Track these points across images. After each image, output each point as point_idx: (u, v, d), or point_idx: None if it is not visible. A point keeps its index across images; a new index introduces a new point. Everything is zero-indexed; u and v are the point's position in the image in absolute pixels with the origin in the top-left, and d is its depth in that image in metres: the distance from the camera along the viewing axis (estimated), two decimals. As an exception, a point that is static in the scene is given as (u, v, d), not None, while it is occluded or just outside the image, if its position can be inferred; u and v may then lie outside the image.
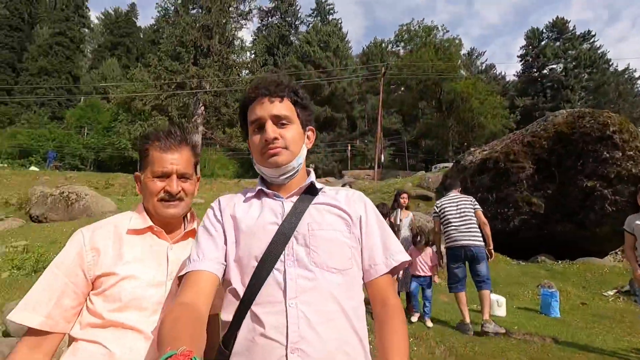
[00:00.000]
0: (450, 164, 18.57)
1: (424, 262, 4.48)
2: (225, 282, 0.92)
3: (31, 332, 0.95)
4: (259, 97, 0.97)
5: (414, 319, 4.33)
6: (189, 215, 1.21)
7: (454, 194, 4.64)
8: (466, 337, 3.74)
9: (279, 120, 0.96)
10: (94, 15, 61.98)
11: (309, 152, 1.10)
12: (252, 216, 0.95)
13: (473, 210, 4.35)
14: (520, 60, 45.70)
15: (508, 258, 8.56)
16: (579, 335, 4.10)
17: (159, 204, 1.08)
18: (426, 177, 13.60)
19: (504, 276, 7.28)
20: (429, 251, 4.53)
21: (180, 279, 0.93)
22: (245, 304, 0.84)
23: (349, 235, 0.94)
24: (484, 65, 47.63)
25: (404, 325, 0.87)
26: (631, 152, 7.61)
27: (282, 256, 0.87)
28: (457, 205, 4.40)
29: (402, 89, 37.41)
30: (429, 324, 4.19)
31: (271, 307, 0.82)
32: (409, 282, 4.58)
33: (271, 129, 0.94)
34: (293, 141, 0.97)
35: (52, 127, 34.82)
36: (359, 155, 39.23)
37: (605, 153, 7.75)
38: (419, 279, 4.47)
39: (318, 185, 1.02)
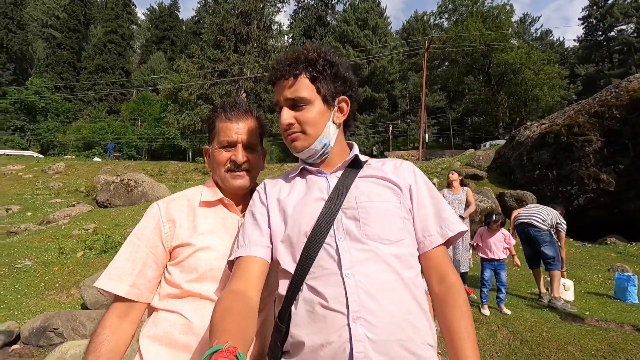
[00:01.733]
0: (500, 141, 17.33)
1: (498, 244, 4.08)
2: (274, 263, 0.90)
3: (118, 300, 0.99)
4: (276, 79, 0.94)
5: (486, 312, 3.85)
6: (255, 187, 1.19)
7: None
8: (531, 322, 3.50)
9: (293, 104, 0.92)
10: (140, 12, 65.23)
11: (349, 134, 1.05)
12: (298, 195, 0.94)
13: (551, 217, 4.30)
14: (582, 23, 41.21)
15: (572, 240, 7.90)
16: (664, 324, 3.69)
17: (226, 175, 1.08)
18: (476, 155, 12.80)
19: (569, 259, 6.72)
20: (504, 232, 4.13)
21: (229, 263, 0.92)
22: (298, 279, 0.83)
23: (399, 206, 0.89)
24: (538, 32, 43.68)
25: (467, 306, 0.84)
26: None
27: (331, 231, 0.85)
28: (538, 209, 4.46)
29: (447, 64, 35.33)
30: (506, 311, 3.85)
31: (327, 279, 0.80)
32: (457, 265, 4.36)
33: (286, 115, 0.92)
34: (310, 123, 0.91)
35: (109, 121, 37.72)
36: (400, 135, 38.10)
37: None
38: (492, 263, 4.07)
39: (362, 158, 0.98)
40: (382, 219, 0.85)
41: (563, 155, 8.62)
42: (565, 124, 8.69)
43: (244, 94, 25.51)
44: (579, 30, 42.28)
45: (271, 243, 0.90)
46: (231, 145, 1.08)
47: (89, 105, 43.15)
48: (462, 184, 5.01)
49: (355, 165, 0.96)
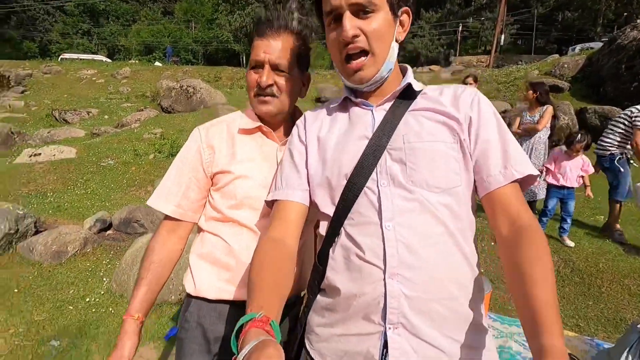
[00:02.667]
0: (595, 44, 14.29)
1: (574, 170, 3.62)
2: (313, 205, 0.85)
3: (167, 217, 1.07)
4: None
5: None
6: (297, 117, 1.12)
7: None
8: (588, 252, 3.34)
9: (360, 9, 0.74)
10: None
11: (410, 35, 0.83)
12: (339, 131, 0.84)
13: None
14: None
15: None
16: None
17: (254, 99, 1.01)
18: (560, 62, 10.90)
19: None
20: (584, 158, 3.66)
21: (267, 202, 0.91)
22: (336, 224, 0.78)
23: (455, 146, 0.76)
24: None
25: (547, 250, 0.66)
26: None
27: (374, 174, 0.76)
28: None
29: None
30: (569, 242, 3.57)
31: (366, 228, 0.74)
32: (536, 192, 3.90)
33: (349, 23, 0.74)
34: (379, 37, 0.76)
35: (165, 23, 37.63)
36: (471, 37, 33.44)
37: None
38: (561, 191, 3.68)
39: (417, 86, 0.83)
40: (433, 163, 0.74)
41: (677, 63, 7.06)
42: (691, 22, 6.89)
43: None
44: None
45: (309, 185, 0.86)
46: (259, 65, 0.98)
47: (144, 7, 42.90)
48: (542, 100, 4.07)
49: (407, 95, 0.82)
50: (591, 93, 8.96)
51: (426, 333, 0.69)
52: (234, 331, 0.59)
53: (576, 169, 3.62)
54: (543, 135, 4.03)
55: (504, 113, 8.43)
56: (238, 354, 0.54)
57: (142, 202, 5.49)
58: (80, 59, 23.79)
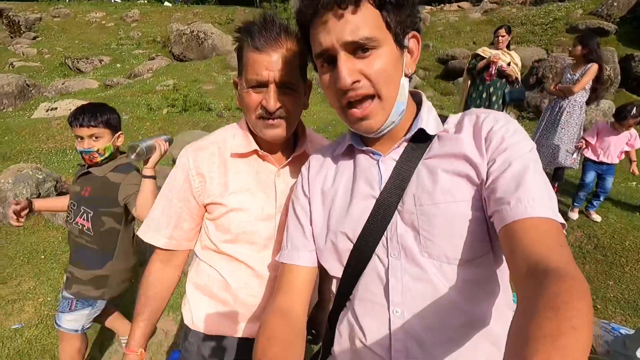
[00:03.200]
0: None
1: (618, 145, 3.25)
2: (320, 265, 0.76)
3: (161, 248, 1.00)
4: (319, 10, 0.60)
5: (574, 215, 3.38)
6: (299, 132, 0.98)
7: None
8: (615, 227, 3.19)
9: (357, 48, 0.60)
10: None
11: None
12: (344, 187, 0.73)
13: None
14: None
15: None
16: None
17: (258, 122, 0.87)
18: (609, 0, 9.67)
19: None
20: (632, 133, 3.25)
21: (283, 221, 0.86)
22: (344, 289, 0.71)
23: (479, 203, 0.61)
24: None
25: (589, 319, 0.40)
26: None
27: (384, 239, 0.65)
28: None
29: None
30: (596, 217, 3.32)
31: (371, 309, 0.66)
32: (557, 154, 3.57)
33: (346, 68, 0.60)
34: (385, 79, 0.61)
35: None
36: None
37: None
38: (601, 167, 3.33)
39: (431, 129, 0.68)
40: (452, 229, 0.61)
41: None
42: None
43: None
44: None
45: (315, 245, 0.76)
46: (261, 85, 0.82)
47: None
48: (589, 57, 3.44)
49: (421, 138, 0.68)
50: (640, 37, 8.00)
51: None
52: None
53: (621, 145, 3.25)
54: (580, 97, 3.56)
55: (538, 62, 7.71)
56: None
57: (158, 161, 5.53)
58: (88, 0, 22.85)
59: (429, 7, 16.71)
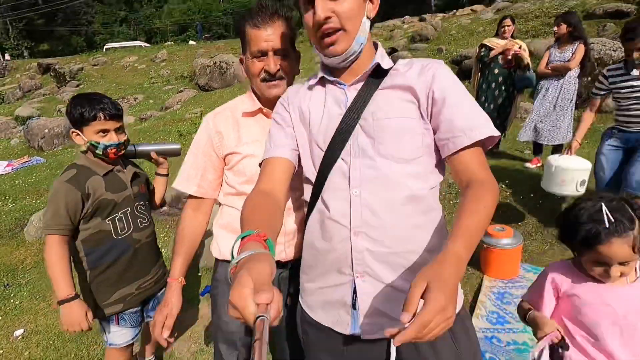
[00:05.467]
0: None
1: None
2: (299, 168, 0.95)
3: (191, 197, 1.24)
4: None
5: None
6: None
7: None
8: None
9: None
10: None
11: None
12: (317, 106, 0.93)
13: None
14: None
15: None
16: None
17: (262, 85, 1.11)
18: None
19: None
20: None
21: (260, 165, 0.98)
22: (317, 189, 0.89)
23: (419, 121, 0.85)
24: None
25: (492, 196, 0.74)
26: None
27: (347, 146, 0.85)
28: None
29: None
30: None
31: (337, 194, 0.85)
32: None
33: (321, 6, 0.79)
34: (350, 16, 0.81)
35: (194, -2, 37.86)
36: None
37: None
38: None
39: (385, 64, 0.89)
40: (399, 137, 0.83)
41: None
42: None
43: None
44: None
45: (297, 146, 0.95)
46: (263, 54, 1.07)
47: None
48: (575, 35, 3.66)
49: (378, 73, 0.89)
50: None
51: (388, 279, 0.81)
52: (233, 244, 0.66)
53: None
54: (573, 73, 3.70)
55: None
56: (232, 262, 0.60)
57: (189, 179, 5.94)
58: (122, 47, 25.03)
59: (441, 15, 16.89)
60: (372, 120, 0.84)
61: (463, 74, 9.13)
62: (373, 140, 0.84)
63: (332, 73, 0.93)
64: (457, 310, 0.82)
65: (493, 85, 4.35)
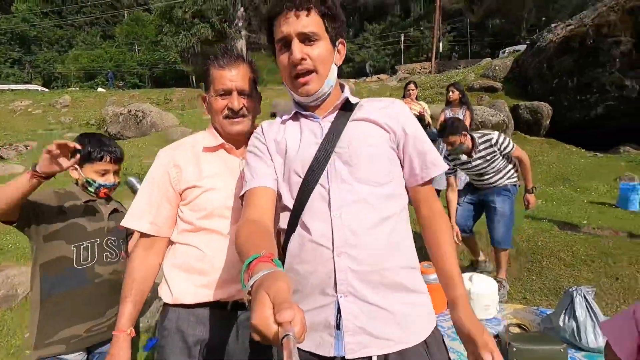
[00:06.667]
0: (522, 47, 15.84)
1: None
2: (278, 197, 0.98)
3: (142, 236, 1.14)
4: (284, 10, 0.89)
5: None
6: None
7: None
8: (527, 233, 3.70)
9: (306, 38, 0.89)
10: None
11: (357, 47, 1.01)
12: (293, 137, 0.98)
13: None
14: None
15: (583, 150, 7.82)
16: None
17: (224, 121, 1.15)
18: (492, 65, 11.99)
19: (575, 170, 6.75)
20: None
21: (241, 198, 0.99)
22: (295, 215, 0.91)
23: (388, 149, 0.95)
24: None
25: (448, 227, 0.98)
26: None
27: (325, 173, 0.90)
28: None
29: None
30: None
31: (318, 217, 0.88)
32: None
33: (298, 49, 0.88)
34: (322, 61, 0.91)
35: (106, 47, 36.11)
36: (413, 46, 35.50)
37: None
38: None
39: (352, 99, 0.99)
40: (372, 163, 0.91)
41: (587, 61, 8.02)
42: (594, 24, 7.90)
43: (242, 9, 23.43)
44: None
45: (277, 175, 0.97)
46: (227, 92, 1.12)
47: (81, 31, 40.93)
48: (463, 100, 4.62)
49: (346, 107, 0.98)
50: (521, 92, 9.88)
51: (370, 297, 0.84)
52: (242, 270, 0.64)
53: None
54: None
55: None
56: (245, 287, 0.58)
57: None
58: (12, 90, 22.15)
59: (353, 80, 18.97)
60: (348, 148, 0.91)
61: (376, 131, 10.19)
62: (350, 166, 0.90)
63: (305, 108, 1.00)
64: (432, 329, 0.89)
65: None
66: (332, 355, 0.84)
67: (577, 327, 1.75)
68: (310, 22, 0.88)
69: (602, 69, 7.73)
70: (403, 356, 0.83)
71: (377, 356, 0.82)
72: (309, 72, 0.91)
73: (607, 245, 3.31)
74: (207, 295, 1.09)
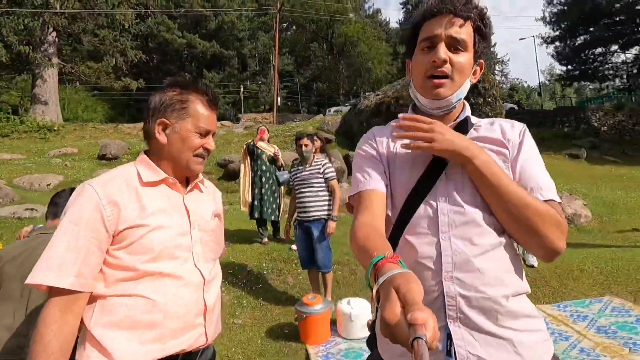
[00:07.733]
0: (342, 108, 19.35)
1: None
2: None
3: (59, 293, 0.88)
4: (442, 12, 0.86)
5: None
6: None
7: None
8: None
9: (454, 44, 0.86)
10: None
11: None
12: (402, 151, 0.93)
13: None
14: (402, 8, 48.58)
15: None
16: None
17: (194, 159, 1.08)
18: (325, 120, 14.16)
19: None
20: None
21: (349, 198, 0.95)
22: (397, 231, 0.88)
23: (505, 171, 0.87)
24: (370, 10, 49.16)
25: (537, 207, 0.82)
26: (490, 99, 9.35)
27: (433, 190, 0.86)
28: None
29: (294, 28, 36.23)
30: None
31: (424, 238, 0.84)
32: None
33: (443, 50, 0.85)
34: (461, 70, 0.87)
35: None
36: (251, 97, 37.70)
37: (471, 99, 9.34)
38: None
39: (473, 119, 0.96)
40: None
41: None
42: (393, 96, 10.54)
43: (55, 33, 19.77)
44: (401, 15, 49.21)
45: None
46: (207, 133, 1.09)
47: None
48: (323, 148, 4.60)
49: (463, 126, 0.93)
50: (350, 143, 11.94)
51: (483, 325, 0.78)
52: (367, 270, 0.60)
53: None
54: None
55: (293, 160, 9.93)
56: (371, 289, 0.56)
57: None
58: None
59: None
60: (461, 168, 0.85)
61: (229, 175, 10.15)
62: (461, 188, 0.85)
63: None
64: (551, 357, 0.84)
65: (262, 179, 5.30)
66: None
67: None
68: (463, 30, 0.86)
69: (403, 129, 10.27)
70: None
71: None
72: (445, 76, 0.86)
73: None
74: (160, 351, 0.93)
